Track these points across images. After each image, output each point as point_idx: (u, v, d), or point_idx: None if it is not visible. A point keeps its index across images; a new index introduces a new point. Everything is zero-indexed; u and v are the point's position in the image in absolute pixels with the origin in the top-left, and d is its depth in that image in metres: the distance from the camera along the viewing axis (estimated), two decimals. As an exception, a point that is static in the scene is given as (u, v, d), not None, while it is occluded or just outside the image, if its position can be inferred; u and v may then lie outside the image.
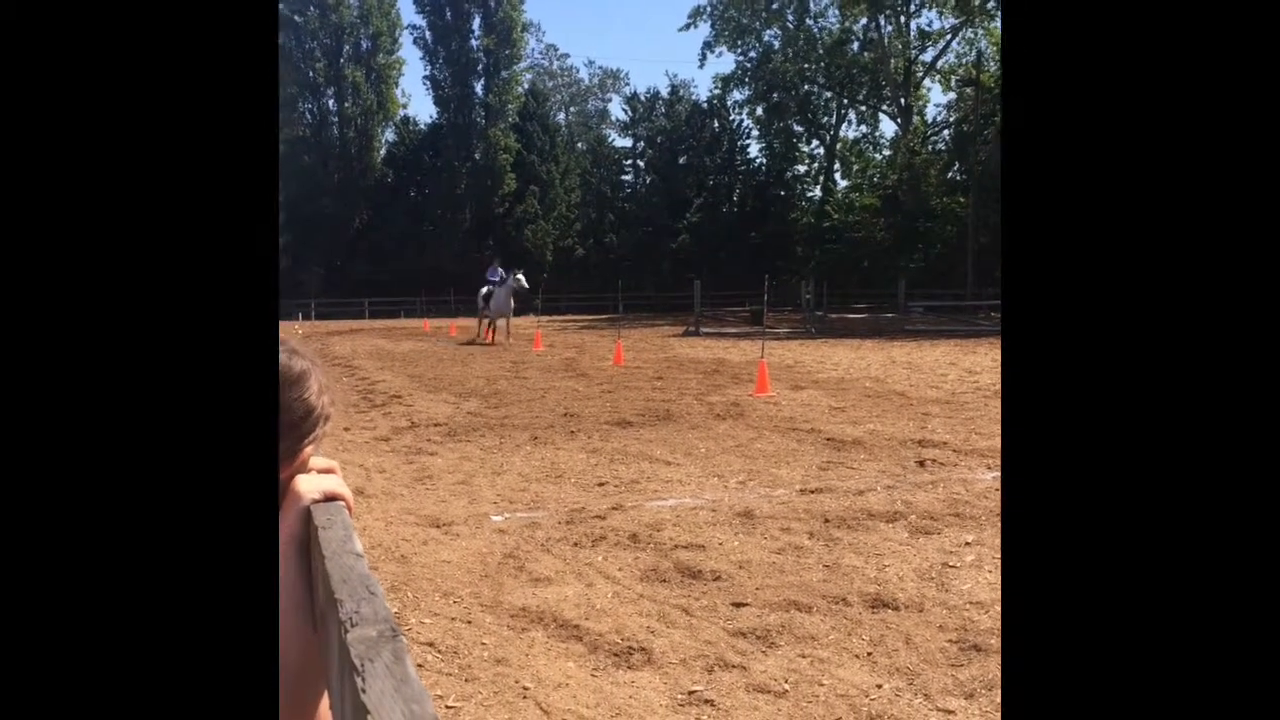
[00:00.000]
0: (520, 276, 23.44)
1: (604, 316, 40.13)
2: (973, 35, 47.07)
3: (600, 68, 77.23)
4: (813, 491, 6.45)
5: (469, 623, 4.08)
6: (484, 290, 24.34)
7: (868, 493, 6.37)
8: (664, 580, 4.64)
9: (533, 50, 67.29)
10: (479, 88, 54.67)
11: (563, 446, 8.45)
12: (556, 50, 76.52)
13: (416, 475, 7.27)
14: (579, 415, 10.28)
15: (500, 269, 24.32)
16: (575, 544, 5.29)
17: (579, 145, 63.61)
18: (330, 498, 1.35)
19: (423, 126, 56.05)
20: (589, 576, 4.71)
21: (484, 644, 3.85)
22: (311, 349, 1.51)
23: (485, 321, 24.73)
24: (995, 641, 3.72)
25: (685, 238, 53.29)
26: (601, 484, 6.88)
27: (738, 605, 4.25)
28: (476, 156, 53.71)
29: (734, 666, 3.62)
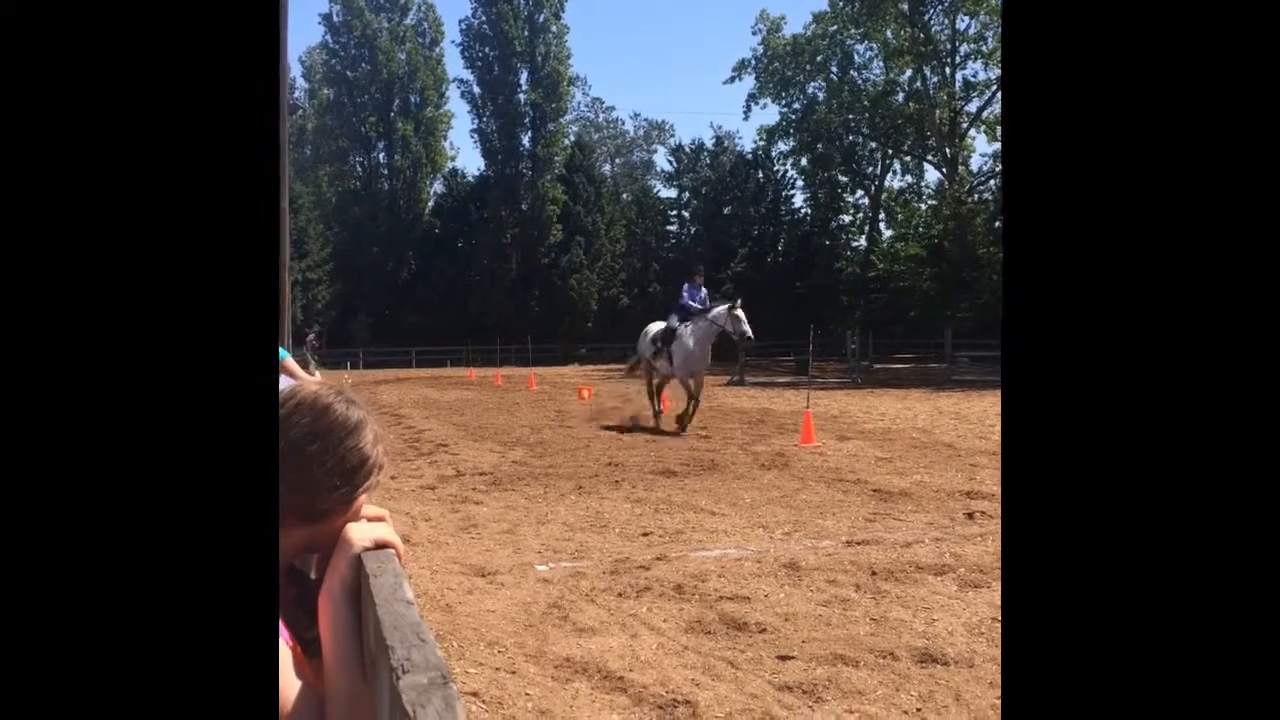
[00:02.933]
0: (739, 312, 13.49)
1: (648, 366, 40.17)
2: (1018, 85, 46.92)
3: (645, 120, 78.14)
4: (859, 543, 6.38)
5: (513, 673, 4.07)
6: (655, 329, 14.70)
7: (915, 545, 6.29)
8: (709, 632, 4.60)
9: (579, 103, 68.24)
10: (526, 140, 55.47)
11: (607, 496, 8.44)
12: (602, 103, 77.34)
13: (462, 524, 7.30)
14: (623, 464, 10.27)
15: (703, 289, 14.78)
16: (620, 594, 5.26)
17: (624, 196, 64.17)
18: (381, 545, 1.37)
19: (470, 178, 56.92)
20: (633, 627, 4.68)
21: (528, 694, 3.83)
22: (362, 398, 1.54)
23: (646, 377, 14.99)
24: (1048, 699, 3.64)
25: (729, 288, 53.33)
26: (646, 534, 6.86)
27: (784, 658, 4.20)
28: (523, 207, 54.37)
29: (780, 721, 3.57)
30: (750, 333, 13.50)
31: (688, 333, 13.74)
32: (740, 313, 13.42)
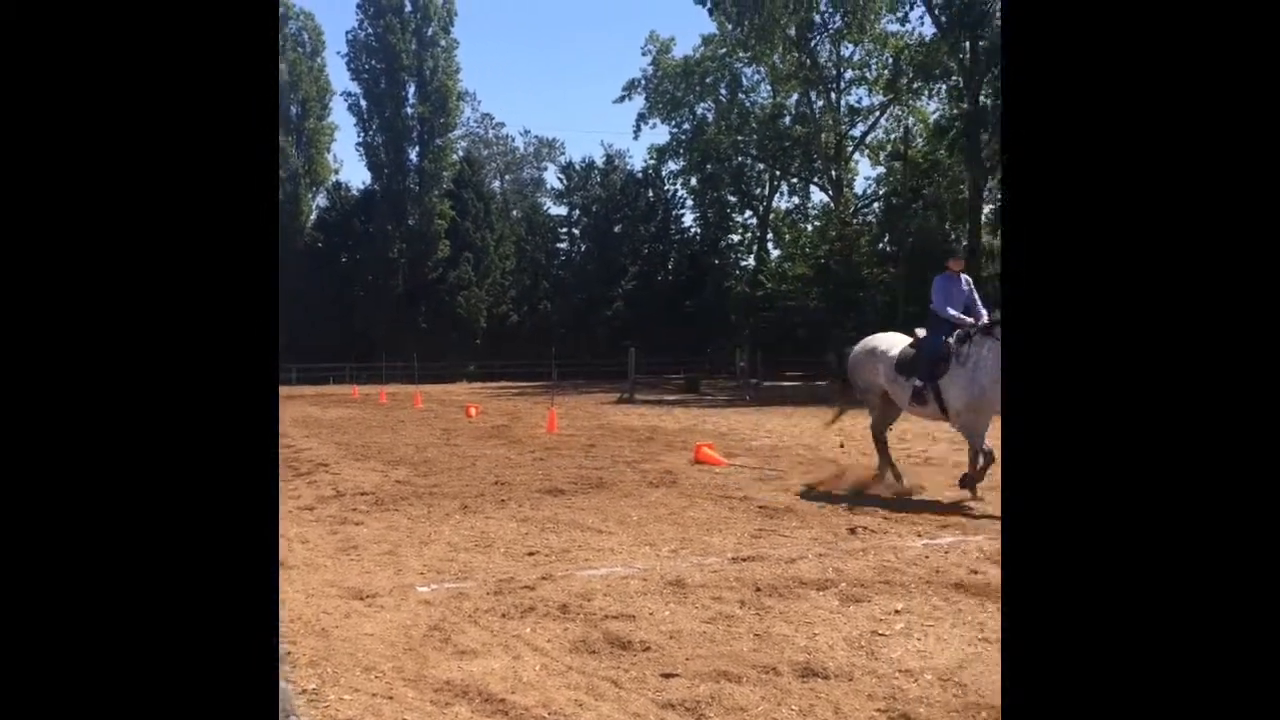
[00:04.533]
0: None
1: (538, 384, 40.00)
2: (900, 113, 48.54)
3: (536, 137, 77.77)
4: (744, 559, 6.41)
5: (390, 698, 3.95)
6: (893, 348, 9.79)
7: (799, 560, 6.35)
8: (593, 651, 4.55)
9: (468, 118, 67.68)
10: (413, 154, 54.77)
11: (493, 515, 8.32)
12: (492, 119, 76.78)
13: (341, 546, 7.09)
14: (510, 483, 10.15)
15: (968, 281, 9.51)
16: (503, 615, 5.17)
17: (514, 213, 63.90)
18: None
19: (355, 192, 55.90)
20: (516, 648, 4.60)
21: (405, 720, 3.72)
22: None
23: (877, 418, 10.13)
24: (924, 710, 3.70)
25: (620, 305, 53.57)
26: (532, 553, 6.77)
27: (667, 676, 4.17)
28: (410, 222, 53.61)
29: (663, 740, 3.54)
30: None
31: (976, 356, 8.80)
32: None
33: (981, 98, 38.92)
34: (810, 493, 9.31)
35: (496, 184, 69.88)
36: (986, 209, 41.92)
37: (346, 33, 55.05)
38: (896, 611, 5.13)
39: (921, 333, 9.43)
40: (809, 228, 53.80)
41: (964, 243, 41.76)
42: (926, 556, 6.38)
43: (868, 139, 50.79)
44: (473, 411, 21.60)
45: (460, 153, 58.45)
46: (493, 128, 75.53)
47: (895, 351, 9.63)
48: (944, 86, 43.25)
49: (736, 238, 57.00)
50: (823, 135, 48.68)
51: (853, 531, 7.38)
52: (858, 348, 10.37)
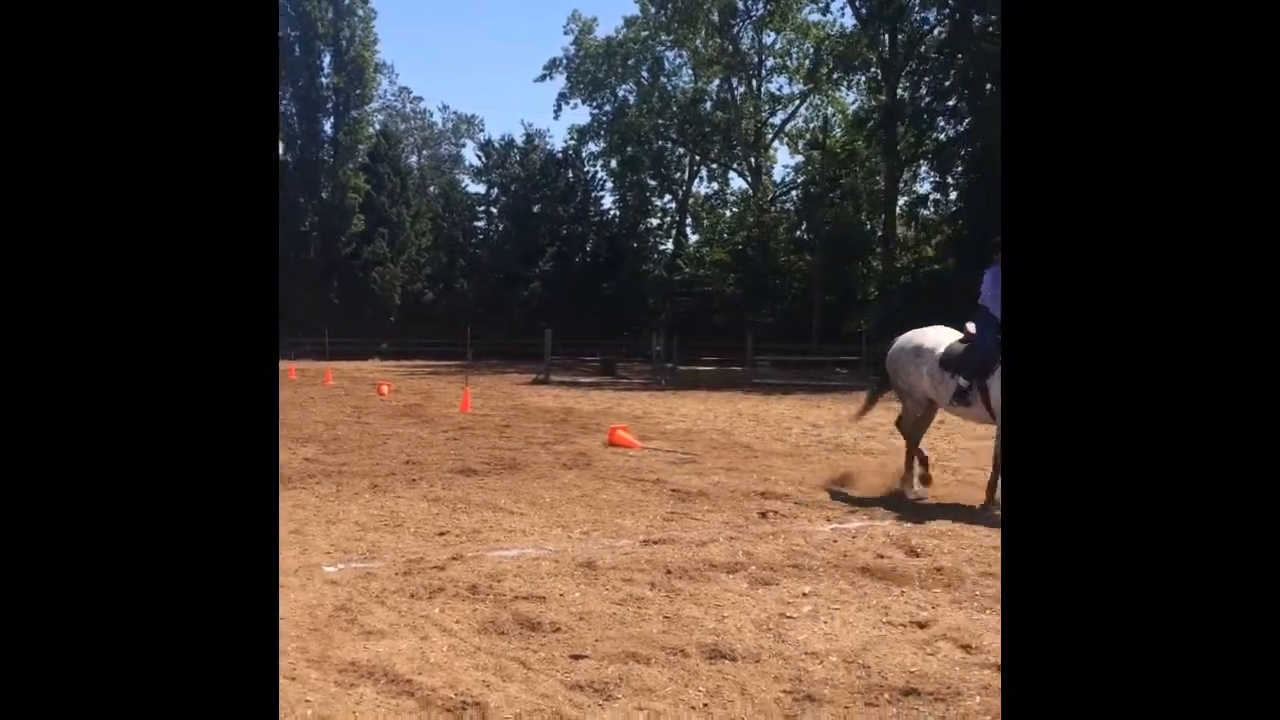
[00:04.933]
0: None
1: (453, 363, 39.60)
2: (819, 102, 49.11)
3: (455, 113, 76.78)
4: (656, 542, 6.44)
5: (293, 679, 3.87)
6: (939, 344, 8.76)
7: (710, 544, 6.40)
8: (502, 632, 4.53)
9: (385, 91, 66.48)
10: (328, 126, 53.62)
11: (403, 495, 8.22)
12: (410, 93, 75.60)
13: (246, 523, 6.94)
14: (422, 463, 10.05)
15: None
16: (412, 595, 5.12)
17: (431, 189, 63.00)
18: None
19: (268, 163, 54.57)
20: (424, 629, 4.56)
21: (308, 701, 3.65)
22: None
23: (909, 419, 9.12)
24: (828, 691, 3.76)
25: (537, 286, 53.23)
26: (442, 533, 6.71)
27: (576, 658, 4.17)
28: (323, 195, 52.50)
29: (570, 721, 3.54)
30: None
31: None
32: None
33: (899, 90, 39.56)
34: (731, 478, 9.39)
35: (414, 159, 68.83)
36: (901, 200, 42.70)
37: (261, -2, 53.52)
38: (804, 594, 5.20)
39: (973, 328, 8.52)
40: (728, 214, 54.20)
41: (879, 233, 42.51)
42: (835, 541, 6.48)
43: (787, 127, 51.32)
44: (385, 390, 21.29)
45: (377, 126, 57.37)
46: (410, 102, 74.42)
47: (941, 349, 8.75)
48: (863, 78, 43.92)
49: (655, 221, 57.11)
50: (743, 122, 49.02)
51: (763, 516, 7.46)
52: (900, 344, 9.32)
